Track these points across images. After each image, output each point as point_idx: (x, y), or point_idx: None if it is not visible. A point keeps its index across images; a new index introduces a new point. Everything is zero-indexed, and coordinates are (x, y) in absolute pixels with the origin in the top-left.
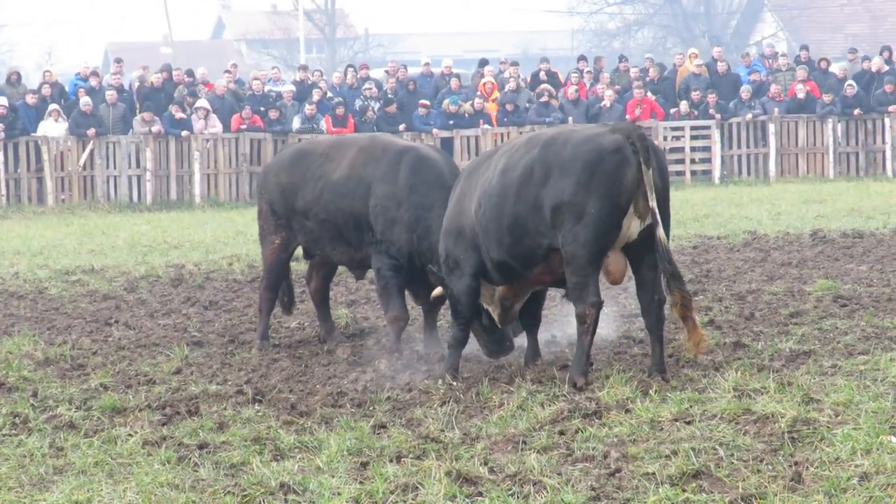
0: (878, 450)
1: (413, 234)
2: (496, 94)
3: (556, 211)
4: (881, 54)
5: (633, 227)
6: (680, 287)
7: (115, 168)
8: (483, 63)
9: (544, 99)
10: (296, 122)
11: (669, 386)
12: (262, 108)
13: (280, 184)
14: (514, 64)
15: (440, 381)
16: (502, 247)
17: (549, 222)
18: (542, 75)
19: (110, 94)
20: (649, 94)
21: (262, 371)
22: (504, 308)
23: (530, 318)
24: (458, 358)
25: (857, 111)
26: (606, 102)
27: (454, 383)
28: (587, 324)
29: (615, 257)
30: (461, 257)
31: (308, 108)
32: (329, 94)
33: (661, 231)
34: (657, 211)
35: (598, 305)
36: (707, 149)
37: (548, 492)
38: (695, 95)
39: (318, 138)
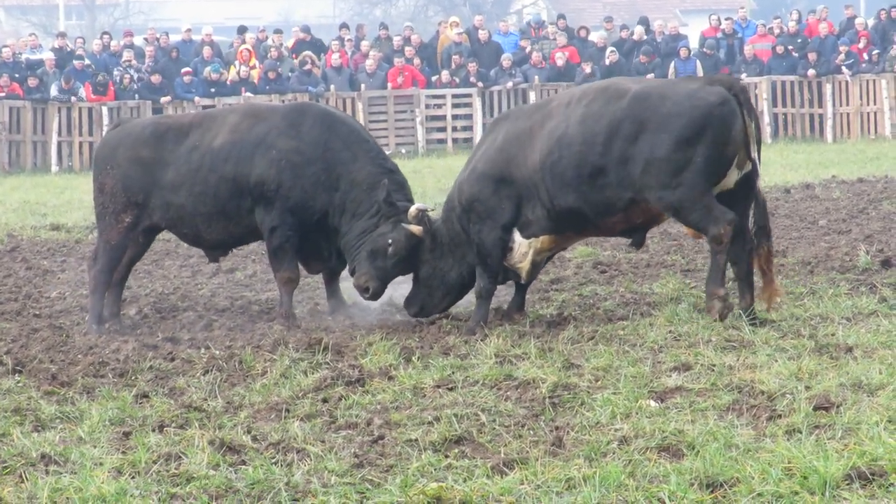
0: (637, 414)
1: (334, 193)
2: (253, 61)
3: (649, 165)
4: (640, 24)
5: (731, 176)
6: (767, 240)
7: None
8: (242, 30)
9: (308, 67)
10: (53, 90)
11: (432, 352)
12: (16, 75)
13: (139, 158)
14: (278, 31)
15: (474, 335)
16: (579, 193)
17: (639, 176)
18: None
19: None
20: (417, 60)
21: (23, 341)
22: (535, 263)
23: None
24: (487, 309)
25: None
26: (372, 64)
27: (488, 333)
28: (723, 243)
29: None
30: (496, 206)
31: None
32: (89, 62)
33: (760, 183)
34: (758, 162)
35: (733, 221)
36: (469, 116)
37: (311, 459)
38: (456, 60)
39: (174, 115)
